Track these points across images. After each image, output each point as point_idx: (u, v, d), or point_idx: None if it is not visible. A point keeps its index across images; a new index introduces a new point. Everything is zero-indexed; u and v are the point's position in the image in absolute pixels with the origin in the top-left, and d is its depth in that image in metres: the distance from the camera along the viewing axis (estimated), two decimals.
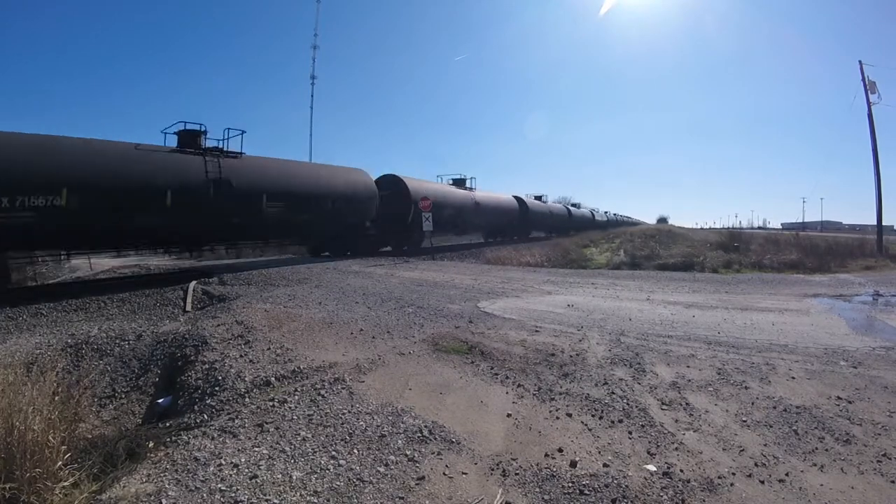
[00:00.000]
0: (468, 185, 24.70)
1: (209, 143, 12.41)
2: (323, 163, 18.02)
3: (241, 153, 12.96)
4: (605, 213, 58.00)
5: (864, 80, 18.57)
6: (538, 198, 34.23)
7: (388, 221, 18.15)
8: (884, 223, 19.05)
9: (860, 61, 18.74)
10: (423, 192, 18.81)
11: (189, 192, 10.97)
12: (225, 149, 12.60)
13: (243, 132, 13.00)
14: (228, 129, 12.85)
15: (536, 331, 5.70)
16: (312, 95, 38.71)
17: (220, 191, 11.51)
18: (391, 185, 18.71)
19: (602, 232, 26.91)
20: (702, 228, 58.10)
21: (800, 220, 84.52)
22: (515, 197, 29.12)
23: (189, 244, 12.90)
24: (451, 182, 24.37)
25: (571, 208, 41.16)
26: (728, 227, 65.66)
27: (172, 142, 12.01)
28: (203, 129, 12.43)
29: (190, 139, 12.05)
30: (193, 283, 10.16)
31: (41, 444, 2.48)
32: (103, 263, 16.92)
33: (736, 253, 15.27)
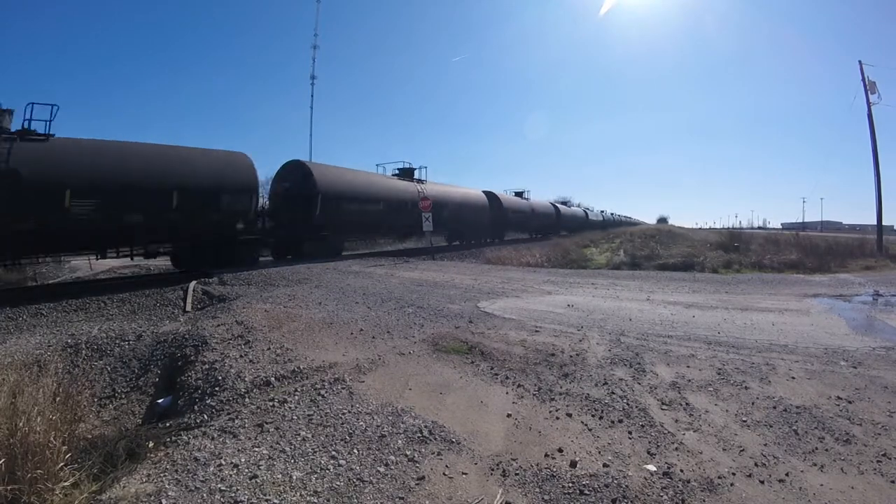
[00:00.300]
0: (417, 175, 20.79)
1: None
2: (203, 147, 12.97)
3: (49, 135, 9.84)
4: (602, 212, 56.83)
5: (864, 80, 18.58)
6: (518, 193, 30.97)
7: (289, 220, 14.71)
8: (884, 223, 19.07)
9: (860, 61, 18.76)
10: (338, 183, 15.42)
11: None
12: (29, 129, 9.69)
13: (55, 106, 9.95)
14: (33, 103, 9.83)
15: (536, 331, 5.70)
16: (312, 95, 38.64)
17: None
18: (294, 175, 14.96)
19: (602, 232, 26.94)
20: (702, 228, 58.12)
21: (800, 220, 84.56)
22: (485, 192, 25.85)
23: None
24: (395, 173, 20.41)
25: (560, 206, 37.55)
26: (728, 227, 65.70)
27: None
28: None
29: None
30: (193, 283, 10.16)
31: (42, 445, 2.49)
32: (104, 263, 16.92)
33: (736, 253, 15.27)
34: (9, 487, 2.25)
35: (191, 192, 11.58)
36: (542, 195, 38.36)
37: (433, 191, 20.03)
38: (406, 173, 20.60)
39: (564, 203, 44.98)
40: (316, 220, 14.50)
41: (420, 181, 20.65)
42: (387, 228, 19.15)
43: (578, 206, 48.10)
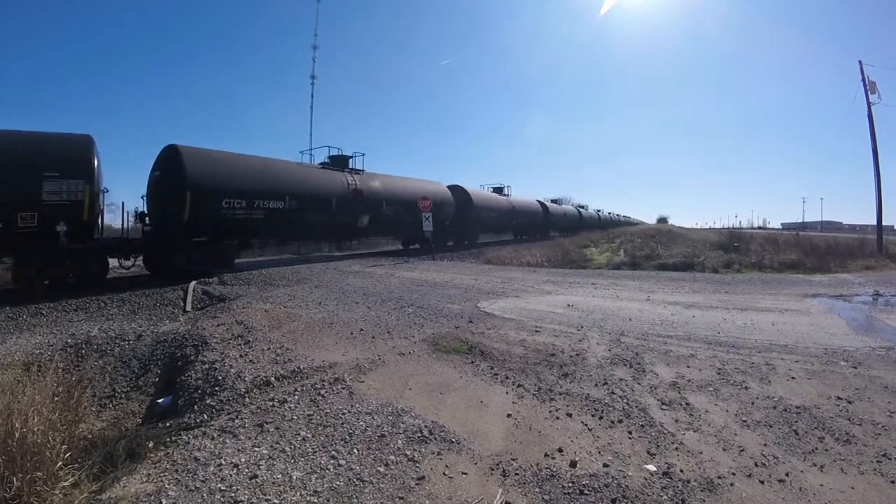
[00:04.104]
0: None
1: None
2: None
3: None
4: (609, 213, 58.11)
5: (864, 80, 18.58)
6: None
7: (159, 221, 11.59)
8: (884, 223, 19.06)
9: (860, 61, 18.78)
10: (218, 173, 11.62)
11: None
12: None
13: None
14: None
15: (536, 331, 5.70)
16: (312, 95, 38.68)
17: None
18: (166, 164, 11.40)
19: (602, 232, 26.93)
20: (702, 228, 57.97)
21: (800, 220, 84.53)
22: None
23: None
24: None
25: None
26: (728, 227, 65.62)
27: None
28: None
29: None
30: (193, 283, 10.15)
31: (41, 446, 2.48)
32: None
33: (736, 253, 15.27)
34: (8, 488, 2.25)
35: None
36: (542, 195, 38.27)
37: (371, 184, 16.65)
38: (337, 161, 16.84)
39: (555, 201, 44.23)
40: (186, 221, 11.02)
41: (355, 171, 16.55)
42: (302, 231, 14.81)
43: (571, 204, 46.31)
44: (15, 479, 2.27)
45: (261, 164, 13.61)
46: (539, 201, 33.12)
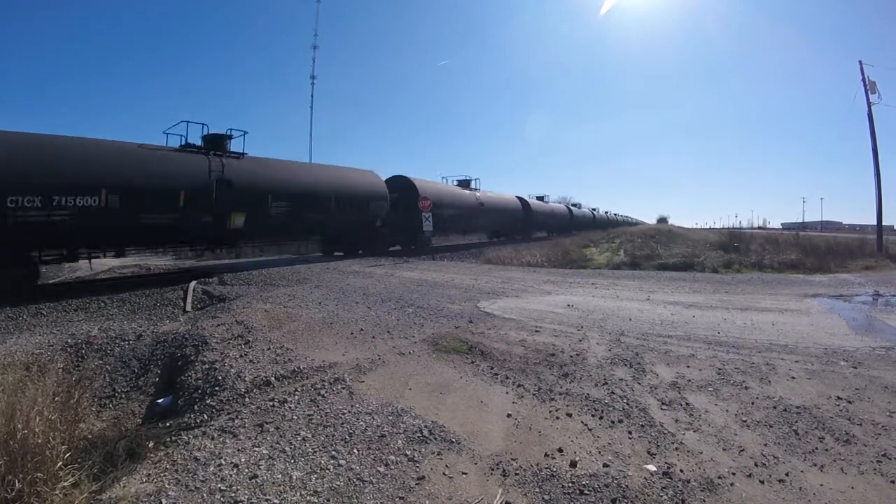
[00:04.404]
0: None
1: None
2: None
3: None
4: (606, 212, 56.57)
5: (864, 80, 18.58)
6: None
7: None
8: (884, 223, 19.07)
9: (860, 61, 18.77)
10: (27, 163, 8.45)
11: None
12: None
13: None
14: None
15: (536, 331, 5.70)
16: (312, 95, 38.57)
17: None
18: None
19: (602, 232, 26.84)
20: (702, 228, 57.94)
21: (800, 220, 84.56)
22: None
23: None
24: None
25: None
26: (728, 227, 65.59)
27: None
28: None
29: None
30: (193, 283, 10.15)
31: (42, 446, 2.49)
32: (103, 263, 16.91)
33: (736, 253, 15.27)
34: (9, 489, 2.25)
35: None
36: (545, 195, 36.09)
37: (250, 172, 12.45)
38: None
39: (576, 206, 41.93)
40: None
41: (232, 155, 12.51)
42: (134, 236, 11.02)
43: (561, 202, 42.19)
44: (17, 481, 2.27)
45: (67, 146, 9.53)
46: (519, 197, 28.47)
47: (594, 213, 48.87)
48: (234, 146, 12.78)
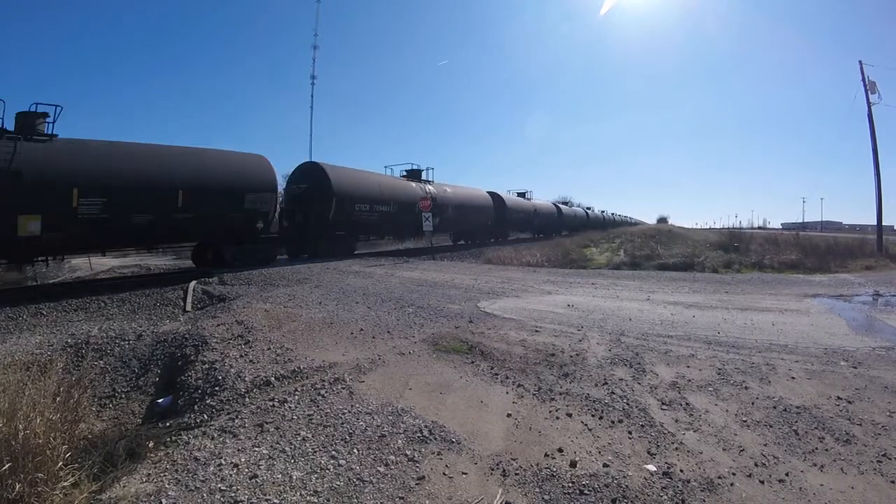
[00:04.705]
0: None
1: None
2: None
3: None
4: (602, 212, 54.55)
5: (864, 80, 18.59)
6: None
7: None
8: (884, 223, 19.08)
9: (860, 61, 18.80)
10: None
11: None
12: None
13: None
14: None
15: (536, 331, 5.70)
16: (312, 95, 38.71)
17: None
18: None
19: (602, 232, 26.81)
20: (702, 228, 57.94)
21: (800, 220, 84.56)
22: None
23: None
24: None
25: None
26: (728, 227, 65.60)
27: None
28: None
29: None
30: (193, 282, 10.15)
31: (43, 447, 2.49)
32: (104, 263, 16.92)
33: (736, 253, 15.29)
34: (10, 490, 2.25)
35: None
36: (542, 195, 34.61)
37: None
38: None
39: (566, 203, 39.42)
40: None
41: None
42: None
43: (577, 205, 40.84)
44: (18, 484, 2.27)
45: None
46: (491, 192, 24.83)
47: (588, 211, 45.41)
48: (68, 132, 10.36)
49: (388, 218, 17.37)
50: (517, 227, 27.77)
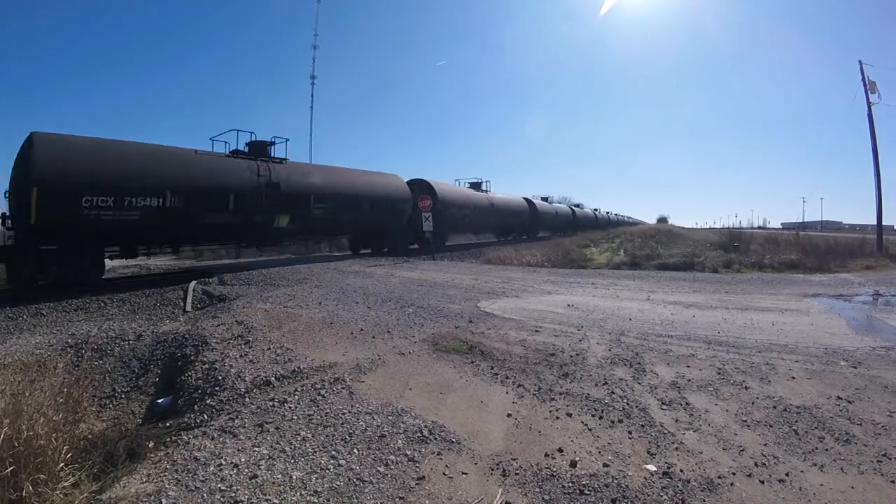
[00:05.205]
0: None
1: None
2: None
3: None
4: (607, 213, 56.15)
5: (864, 80, 18.57)
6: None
7: None
8: (884, 223, 19.07)
9: (860, 61, 18.76)
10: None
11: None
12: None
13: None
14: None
15: (536, 331, 5.70)
16: (312, 95, 38.57)
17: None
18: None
19: (602, 232, 26.82)
20: (702, 228, 57.81)
21: (800, 220, 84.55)
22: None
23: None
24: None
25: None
26: (728, 227, 65.49)
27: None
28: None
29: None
30: (193, 283, 10.15)
31: (45, 447, 2.49)
32: (103, 263, 16.88)
33: (736, 253, 15.28)
34: (12, 490, 2.25)
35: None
36: (542, 195, 35.84)
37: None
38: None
39: (578, 206, 40.63)
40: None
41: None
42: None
43: (563, 202, 40.98)
44: (25, 485, 2.27)
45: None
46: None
47: (596, 213, 48.75)
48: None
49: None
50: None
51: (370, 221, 16.39)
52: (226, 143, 12.98)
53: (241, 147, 13.17)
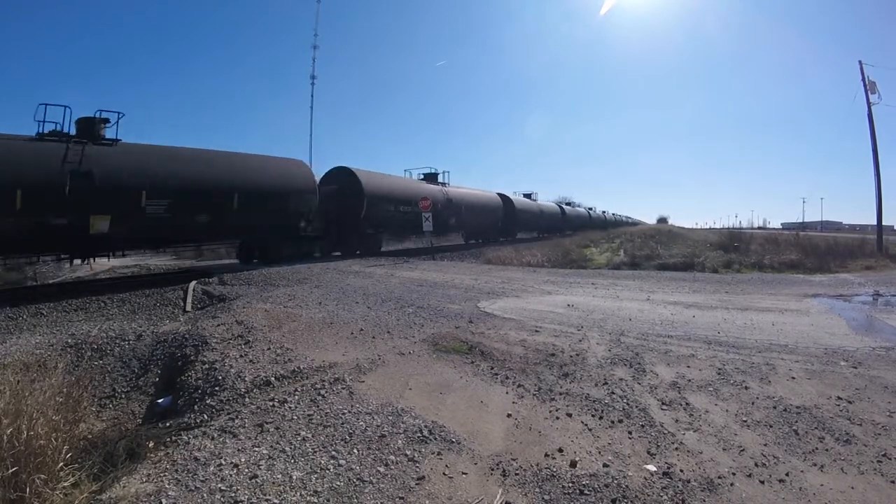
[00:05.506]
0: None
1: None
2: None
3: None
4: (604, 212, 55.10)
5: (864, 80, 18.58)
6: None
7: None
8: (884, 223, 19.08)
9: (860, 61, 18.77)
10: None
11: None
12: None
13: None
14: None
15: (536, 331, 5.70)
16: (312, 95, 38.59)
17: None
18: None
19: (602, 232, 26.79)
20: (702, 228, 57.88)
21: (800, 220, 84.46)
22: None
23: None
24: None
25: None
26: (728, 227, 65.55)
27: None
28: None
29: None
30: (193, 283, 10.15)
31: (44, 447, 2.49)
32: (104, 263, 16.91)
33: (736, 253, 15.28)
34: (12, 490, 2.25)
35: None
36: (542, 195, 34.17)
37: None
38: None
39: (569, 204, 38.83)
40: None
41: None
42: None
43: (580, 206, 40.66)
44: (26, 485, 2.27)
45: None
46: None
47: (590, 212, 45.87)
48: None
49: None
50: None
51: (243, 222, 12.53)
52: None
53: (69, 127, 10.07)
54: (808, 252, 15.15)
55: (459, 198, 21.88)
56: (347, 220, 16.05)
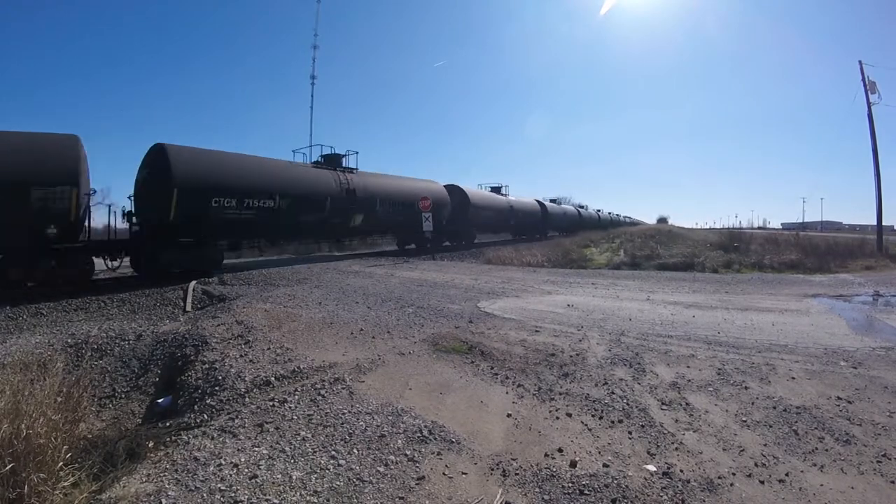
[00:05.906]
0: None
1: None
2: None
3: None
4: (609, 213, 57.32)
5: (864, 80, 18.58)
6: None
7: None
8: (884, 223, 19.07)
9: (860, 61, 18.77)
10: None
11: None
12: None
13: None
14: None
15: (536, 331, 5.70)
16: (312, 95, 38.58)
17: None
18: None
19: (603, 232, 26.83)
20: (702, 228, 57.82)
21: (800, 220, 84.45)
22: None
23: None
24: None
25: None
26: (728, 227, 65.53)
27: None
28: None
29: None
30: (193, 283, 10.15)
31: (44, 447, 2.49)
32: (103, 263, 16.87)
33: (736, 253, 15.27)
34: (12, 489, 2.25)
35: None
36: (541, 195, 37.41)
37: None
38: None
39: (583, 207, 44.24)
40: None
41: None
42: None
43: (567, 203, 43.97)
44: (25, 485, 2.27)
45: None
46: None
47: (598, 213, 50.67)
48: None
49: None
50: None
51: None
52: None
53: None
54: (808, 252, 15.15)
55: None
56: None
